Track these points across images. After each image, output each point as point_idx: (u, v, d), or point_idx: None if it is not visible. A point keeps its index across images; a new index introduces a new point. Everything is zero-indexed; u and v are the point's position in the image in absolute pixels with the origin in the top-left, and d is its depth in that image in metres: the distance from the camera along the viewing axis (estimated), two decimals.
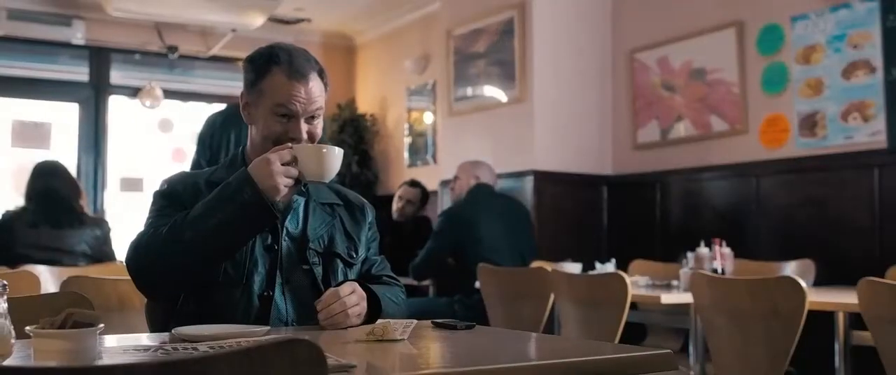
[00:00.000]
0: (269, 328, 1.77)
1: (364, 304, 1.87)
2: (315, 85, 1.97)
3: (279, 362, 0.95)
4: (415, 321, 1.68)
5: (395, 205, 5.68)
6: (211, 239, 1.81)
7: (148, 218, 1.97)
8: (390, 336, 1.58)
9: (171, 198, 1.96)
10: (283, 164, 1.83)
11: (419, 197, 5.65)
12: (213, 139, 4.88)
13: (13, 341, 1.31)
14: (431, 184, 6.30)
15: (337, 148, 1.92)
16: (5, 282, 1.32)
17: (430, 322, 1.86)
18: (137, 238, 1.90)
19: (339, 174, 6.46)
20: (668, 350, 1.38)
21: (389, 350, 1.49)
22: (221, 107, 5.24)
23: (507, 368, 1.26)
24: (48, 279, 3.30)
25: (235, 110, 5.15)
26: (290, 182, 1.85)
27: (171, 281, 1.87)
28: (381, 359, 1.43)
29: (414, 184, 5.77)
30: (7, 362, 1.28)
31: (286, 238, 1.99)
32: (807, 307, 2.65)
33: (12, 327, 1.32)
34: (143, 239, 1.88)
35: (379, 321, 1.67)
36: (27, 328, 1.30)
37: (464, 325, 1.80)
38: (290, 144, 1.88)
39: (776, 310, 2.70)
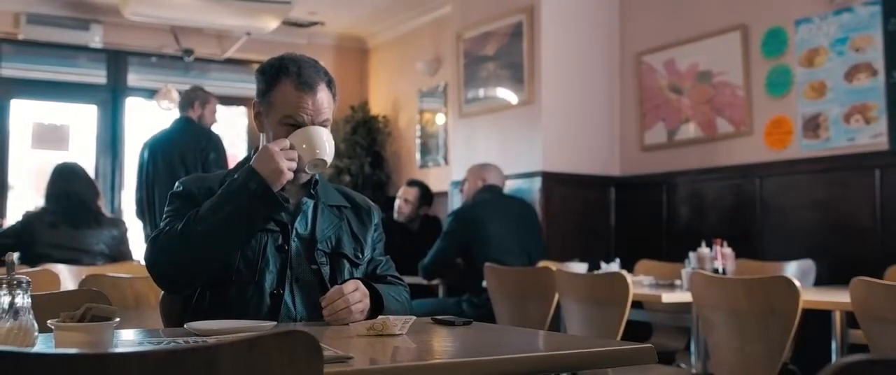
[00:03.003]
0: (276, 323, 1.86)
1: (367, 301, 1.96)
2: (323, 95, 2.05)
3: (278, 352, 1.03)
4: (413, 317, 1.77)
5: (395, 205, 5.74)
6: (222, 231, 1.91)
7: (164, 218, 2.07)
8: (389, 331, 1.67)
9: (186, 199, 2.05)
10: (281, 150, 1.94)
11: (417, 196, 5.65)
12: (144, 168, 5.34)
13: (36, 334, 1.41)
14: (442, 185, 6.38)
15: (325, 129, 2.04)
16: (29, 279, 1.41)
17: (430, 318, 1.95)
18: (154, 235, 2.00)
19: (350, 175, 6.52)
20: (650, 345, 1.46)
21: (388, 344, 1.58)
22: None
23: (496, 360, 1.34)
24: (67, 277, 3.40)
25: (155, 140, 5.39)
26: (292, 165, 1.96)
27: (187, 274, 1.96)
28: (380, 352, 1.52)
29: (412, 183, 5.79)
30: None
31: (295, 238, 2.07)
32: (801, 306, 2.72)
33: (35, 321, 1.42)
34: (160, 236, 1.98)
35: (379, 317, 1.75)
36: (49, 321, 1.40)
37: (461, 321, 1.89)
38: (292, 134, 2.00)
39: (772, 309, 2.76)
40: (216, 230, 1.90)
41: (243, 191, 1.91)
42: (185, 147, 5.42)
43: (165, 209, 2.10)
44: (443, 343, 1.64)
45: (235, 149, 8.04)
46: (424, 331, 1.77)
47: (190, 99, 5.64)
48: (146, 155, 5.55)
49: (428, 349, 1.58)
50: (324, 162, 2.02)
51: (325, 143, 2.00)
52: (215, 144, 5.52)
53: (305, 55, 2.13)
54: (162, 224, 2.05)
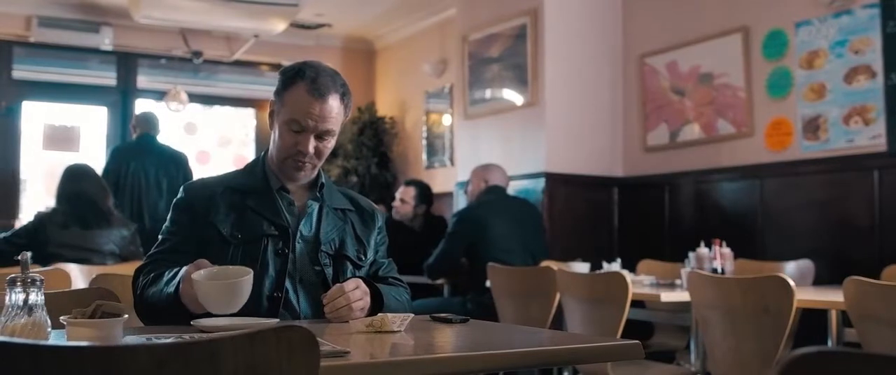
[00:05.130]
0: (278, 320, 1.93)
1: (367, 299, 2.01)
2: (334, 104, 2.09)
3: (277, 346, 1.10)
4: (412, 314, 1.84)
5: (393, 204, 5.77)
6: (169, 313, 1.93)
7: (162, 232, 2.16)
8: (388, 328, 1.73)
9: (186, 211, 2.14)
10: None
11: (414, 195, 5.63)
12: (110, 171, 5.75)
13: (49, 329, 1.48)
14: (448, 186, 6.45)
15: (243, 278, 1.79)
16: (42, 277, 1.48)
17: (428, 316, 2.01)
18: (142, 264, 2.10)
19: (357, 176, 6.55)
20: (636, 342, 1.52)
21: (386, 340, 1.64)
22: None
23: (484, 355, 1.40)
24: (78, 276, 3.47)
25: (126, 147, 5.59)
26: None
27: (158, 321, 2.00)
28: (378, 348, 1.58)
29: (410, 183, 5.79)
30: None
31: (300, 240, 2.14)
32: (795, 305, 2.77)
33: (48, 317, 1.49)
34: (138, 281, 2.06)
35: (378, 314, 1.81)
36: (61, 318, 1.47)
37: (459, 319, 1.95)
38: (197, 274, 1.82)
39: (766, 308, 2.82)
40: (163, 313, 1.95)
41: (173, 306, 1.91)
42: (172, 165, 6.03)
43: (168, 217, 2.17)
44: (438, 340, 1.70)
45: (245, 150, 8.14)
46: (422, 328, 1.83)
47: (156, 123, 6.23)
48: (133, 164, 5.96)
49: (422, 345, 1.64)
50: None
51: (235, 302, 1.78)
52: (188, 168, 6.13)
53: (329, 67, 2.17)
54: (159, 240, 2.15)
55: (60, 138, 7.23)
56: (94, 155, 7.23)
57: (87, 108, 7.53)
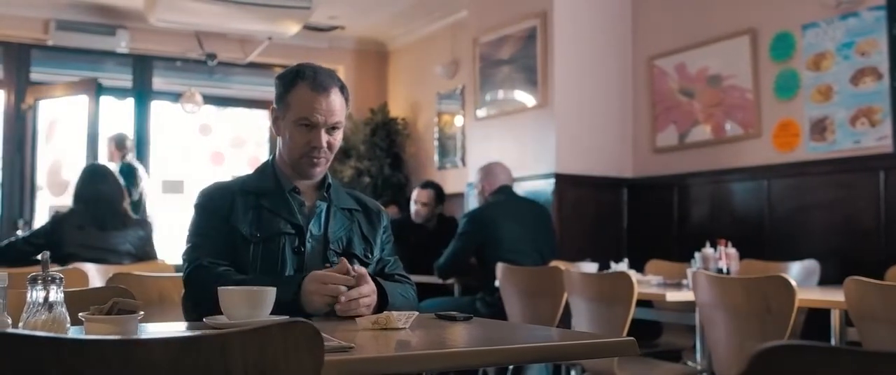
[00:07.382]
0: (288, 317, 1.99)
1: (374, 296, 2.07)
2: (336, 98, 2.20)
3: (284, 340, 1.16)
4: (416, 312, 1.90)
5: (412, 208, 5.82)
6: None
7: (189, 234, 2.22)
8: (393, 325, 1.79)
9: (210, 212, 2.20)
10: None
11: (432, 197, 5.68)
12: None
13: (68, 325, 1.55)
14: (460, 187, 6.50)
15: (267, 288, 1.85)
16: (61, 276, 1.55)
17: (433, 313, 2.07)
18: (194, 264, 2.13)
19: (369, 176, 6.59)
20: (631, 338, 1.57)
21: (390, 337, 1.70)
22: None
23: (483, 351, 1.46)
24: (95, 276, 3.55)
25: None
26: (327, 300, 1.99)
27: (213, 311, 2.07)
28: (382, 343, 1.64)
29: (426, 185, 5.84)
30: None
31: (311, 239, 2.21)
32: (797, 305, 2.81)
33: (67, 314, 1.56)
34: (201, 272, 2.10)
35: (384, 311, 1.88)
36: (80, 314, 1.54)
37: (463, 317, 2.00)
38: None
39: (769, 308, 2.86)
40: None
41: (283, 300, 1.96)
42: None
43: (192, 220, 2.23)
44: (440, 337, 1.75)
45: (259, 151, 8.24)
46: (426, 326, 1.89)
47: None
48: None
49: (425, 341, 1.70)
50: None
51: (247, 311, 1.82)
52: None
53: (319, 65, 2.27)
54: (188, 242, 2.19)
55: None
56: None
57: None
